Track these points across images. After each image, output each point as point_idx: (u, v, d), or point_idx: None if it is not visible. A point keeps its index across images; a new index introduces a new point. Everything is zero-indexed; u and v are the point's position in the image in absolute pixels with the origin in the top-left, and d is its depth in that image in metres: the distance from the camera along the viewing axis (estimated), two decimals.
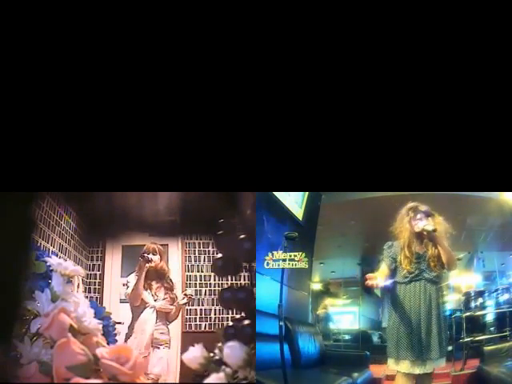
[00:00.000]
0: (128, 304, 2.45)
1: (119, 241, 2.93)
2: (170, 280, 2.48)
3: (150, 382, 2.20)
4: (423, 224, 1.63)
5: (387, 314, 1.75)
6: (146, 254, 2.38)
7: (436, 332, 1.61)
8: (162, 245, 2.51)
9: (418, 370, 1.58)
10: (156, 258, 2.40)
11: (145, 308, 2.36)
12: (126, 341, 2.29)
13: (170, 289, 2.43)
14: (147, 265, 2.36)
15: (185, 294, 2.43)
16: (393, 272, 1.69)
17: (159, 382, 2.26)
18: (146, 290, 2.38)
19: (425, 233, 1.63)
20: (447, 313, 1.82)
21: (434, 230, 1.61)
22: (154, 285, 2.41)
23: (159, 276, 2.42)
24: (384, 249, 1.73)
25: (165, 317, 2.40)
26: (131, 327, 2.35)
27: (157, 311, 2.37)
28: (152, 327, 2.34)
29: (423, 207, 1.66)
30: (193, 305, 2.93)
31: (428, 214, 1.65)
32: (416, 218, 1.65)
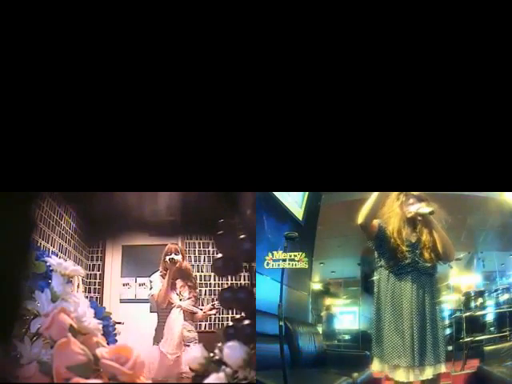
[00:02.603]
0: (127, 304, 2.46)
1: (119, 241, 2.94)
2: (194, 278, 2.50)
3: (149, 382, 2.21)
4: (417, 207, 1.50)
5: (374, 310, 1.58)
6: (170, 256, 2.38)
7: (430, 333, 1.47)
8: (162, 245, 2.52)
9: (412, 377, 1.45)
10: (179, 257, 2.40)
11: (171, 308, 2.37)
12: (155, 343, 2.33)
13: (193, 287, 2.45)
14: (174, 266, 2.37)
15: (213, 305, 2.45)
16: (381, 253, 1.54)
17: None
18: (171, 290, 2.38)
19: (419, 217, 1.51)
20: (445, 310, 1.78)
21: (431, 212, 1.47)
22: (178, 284, 2.42)
23: (183, 275, 2.43)
24: None
25: (190, 315, 2.41)
26: (159, 329, 2.36)
27: (183, 310, 2.37)
28: (180, 326, 2.35)
29: (415, 192, 1.52)
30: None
31: (421, 199, 1.51)
32: (408, 202, 1.52)
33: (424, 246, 1.51)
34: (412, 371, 1.45)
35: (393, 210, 1.54)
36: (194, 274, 2.52)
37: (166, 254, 2.40)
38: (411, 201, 1.53)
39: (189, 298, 2.40)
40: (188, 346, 2.33)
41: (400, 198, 1.55)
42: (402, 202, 1.54)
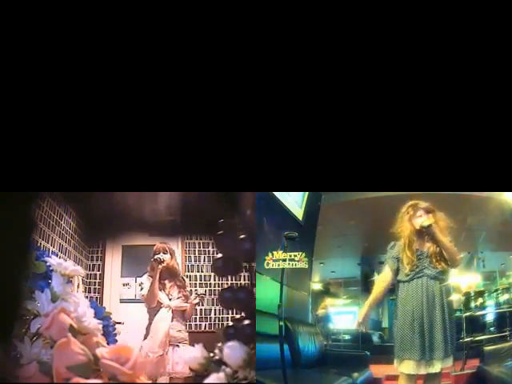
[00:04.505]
0: (127, 304, 2.47)
1: (119, 241, 2.94)
2: (182, 278, 2.50)
3: (149, 382, 2.21)
4: (420, 221, 1.62)
5: (393, 314, 1.73)
6: (157, 255, 2.38)
7: (440, 330, 1.58)
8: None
9: (423, 370, 1.55)
10: (167, 256, 2.40)
11: (160, 308, 2.37)
12: (143, 341, 2.31)
13: (182, 286, 2.44)
14: (160, 266, 2.36)
15: (197, 294, 2.45)
16: (396, 272, 1.68)
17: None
18: (160, 290, 2.38)
19: (423, 229, 1.62)
20: (453, 311, 1.81)
21: (429, 226, 1.60)
22: (167, 284, 2.42)
23: (171, 275, 2.43)
24: (387, 250, 1.72)
25: (181, 315, 2.40)
26: (149, 328, 2.37)
27: (172, 310, 2.37)
28: (167, 326, 2.35)
29: (423, 204, 1.64)
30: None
31: (428, 211, 1.63)
32: (416, 215, 1.64)
33: (432, 254, 1.63)
34: (423, 364, 1.56)
35: (404, 224, 1.66)
36: (180, 273, 2.52)
37: (154, 254, 2.40)
38: (418, 213, 1.64)
39: (178, 298, 2.40)
40: (177, 346, 2.34)
41: (409, 211, 1.66)
42: (411, 216, 1.65)
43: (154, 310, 2.37)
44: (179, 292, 2.42)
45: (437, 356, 1.56)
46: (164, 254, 2.40)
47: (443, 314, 1.61)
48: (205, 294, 2.52)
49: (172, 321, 2.37)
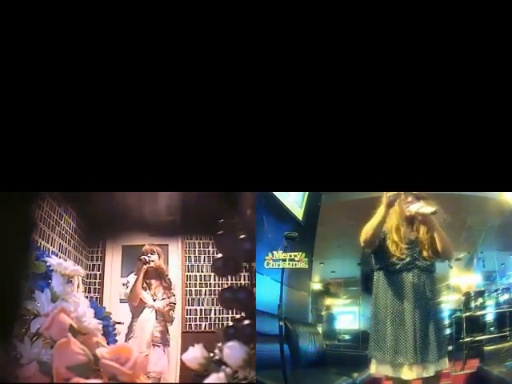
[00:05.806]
0: (127, 304, 2.47)
1: (119, 241, 2.93)
2: (169, 279, 2.51)
3: (150, 381, 2.22)
4: (418, 206, 1.47)
5: (372, 309, 1.54)
6: (143, 256, 2.41)
7: (434, 329, 1.45)
8: (161, 245, 2.53)
9: (415, 375, 1.42)
10: (154, 257, 2.42)
11: (144, 308, 2.39)
12: (126, 340, 2.33)
13: (168, 288, 2.46)
14: (145, 266, 2.39)
15: (169, 302, 2.46)
16: (379, 256, 1.52)
17: (161, 380, 2.28)
18: (146, 289, 2.41)
19: (419, 217, 1.48)
20: (445, 309, 1.77)
21: (434, 213, 1.44)
22: (154, 284, 2.44)
23: (158, 275, 2.45)
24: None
25: (163, 316, 2.42)
26: (131, 327, 2.39)
27: (156, 310, 2.39)
28: (151, 326, 2.38)
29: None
30: (193, 305, 2.94)
31: (419, 197, 1.48)
32: (407, 200, 1.49)
33: (422, 243, 1.49)
34: (415, 368, 1.43)
35: (391, 208, 1.51)
36: (168, 274, 2.53)
37: (142, 254, 2.42)
38: (410, 199, 1.50)
39: (163, 299, 2.42)
40: (158, 346, 2.35)
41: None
42: (401, 200, 1.50)
43: (137, 309, 2.40)
44: (164, 293, 2.44)
45: (430, 359, 1.42)
46: (152, 254, 2.42)
47: (436, 311, 1.48)
48: (175, 303, 2.52)
49: (155, 321, 2.39)
